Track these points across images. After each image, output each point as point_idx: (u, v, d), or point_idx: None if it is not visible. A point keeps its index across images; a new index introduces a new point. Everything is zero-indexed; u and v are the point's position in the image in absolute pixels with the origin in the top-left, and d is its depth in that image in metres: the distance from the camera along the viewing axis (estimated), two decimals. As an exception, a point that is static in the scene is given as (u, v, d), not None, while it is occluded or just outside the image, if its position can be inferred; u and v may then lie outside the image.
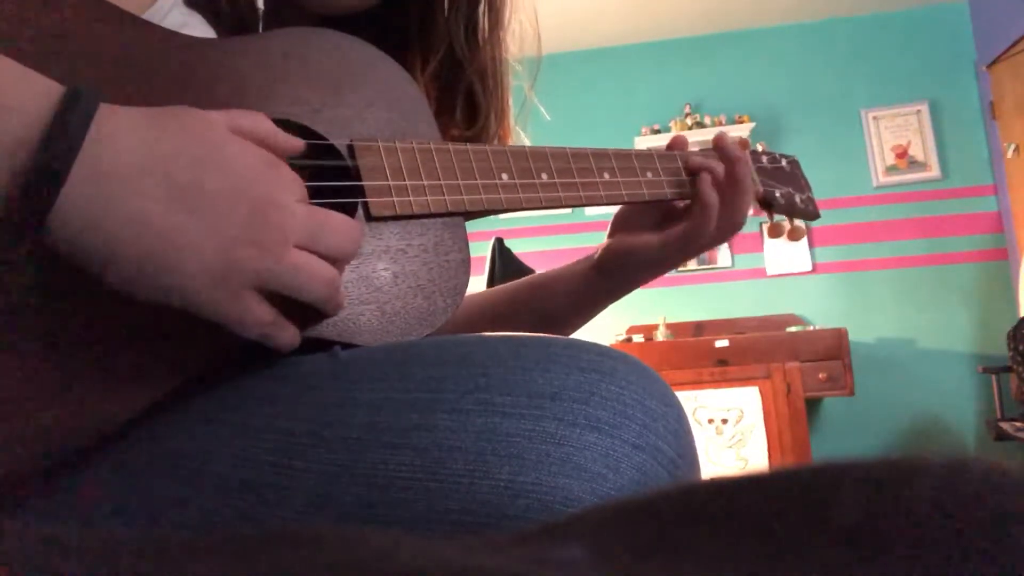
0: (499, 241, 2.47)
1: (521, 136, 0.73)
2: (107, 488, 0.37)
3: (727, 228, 0.67)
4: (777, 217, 0.78)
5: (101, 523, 0.36)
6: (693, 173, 0.68)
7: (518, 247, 2.84)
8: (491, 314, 0.72)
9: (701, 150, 0.71)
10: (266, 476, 0.37)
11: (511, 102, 0.71)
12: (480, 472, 0.36)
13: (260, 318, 0.37)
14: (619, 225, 0.70)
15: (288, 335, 0.39)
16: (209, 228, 0.35)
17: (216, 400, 0.39)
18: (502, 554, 0.17)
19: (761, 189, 0.75)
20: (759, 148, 0.81)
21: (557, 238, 3.84)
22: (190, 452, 0.38)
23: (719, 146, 0.68)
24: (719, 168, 0.67)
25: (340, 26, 0.53)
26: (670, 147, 0.71)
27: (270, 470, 0.37)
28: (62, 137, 0.31)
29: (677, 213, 0.69)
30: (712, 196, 0.65)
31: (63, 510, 0.37)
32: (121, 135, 0.34)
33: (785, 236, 0.79)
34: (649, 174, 0.67)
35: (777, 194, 0.77)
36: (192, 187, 0.35)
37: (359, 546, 0.17)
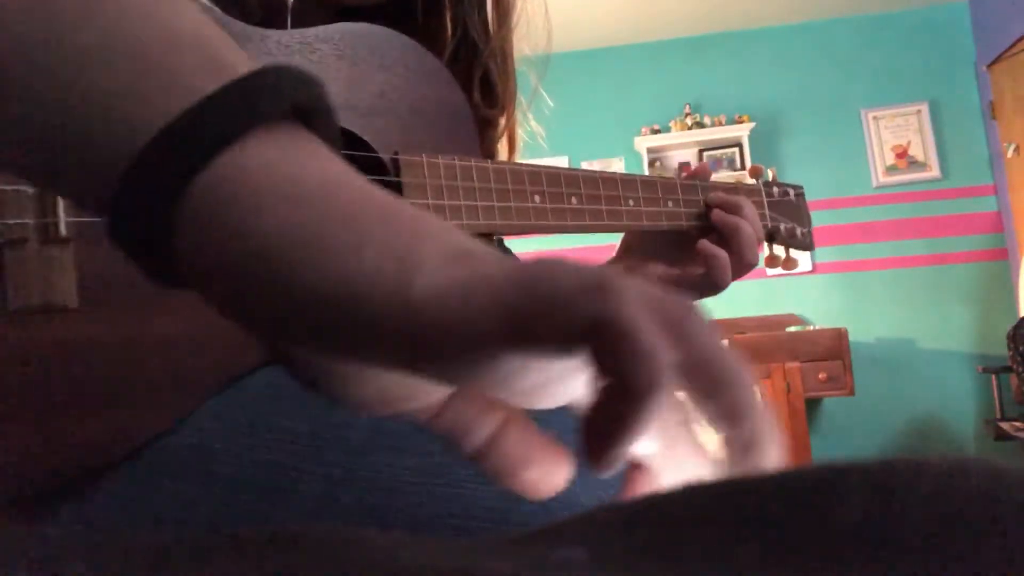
0: (499, 242, 2.47)
1: (530, 120, 0.73)
2: (112, 488, 0.37)
3: (741, 270, 0.67)
4: (775, 248, 0.79)
5: (107, 525, 0.36)
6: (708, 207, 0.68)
7: (518, 247, 2.84)
8: None
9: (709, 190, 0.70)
10: (270, 478, 0.37)
11: (519, 93, 0.71)
12: (483, 476, 0.36)
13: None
14: (630, 248, 0.70)
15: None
16: None
17: (221, 399, 0.39)
18: (502, 555, 0.17)
19: (769, 224, 0.76)
20: (770, 176, 0.81)
21: (557, 238, 3.84)
22: (195, 451, 0.38)
23: (723, 206, 0.68)
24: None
25: (358, 13, 0.52)
26: (692, 175, 0.71)
27: (274, 472, 0.37)
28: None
29: (691, 242, 0.69)
30: (718, 252, 0.64)
31: (69, 512, 0.37)
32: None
33: (780, 267, 0.80)
34: (670, 203, 0.67)
35: (782, 227, 0.78)
36: None
37: (360, 547, 0.17)
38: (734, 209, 0.67)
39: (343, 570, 0.16)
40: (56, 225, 0.34)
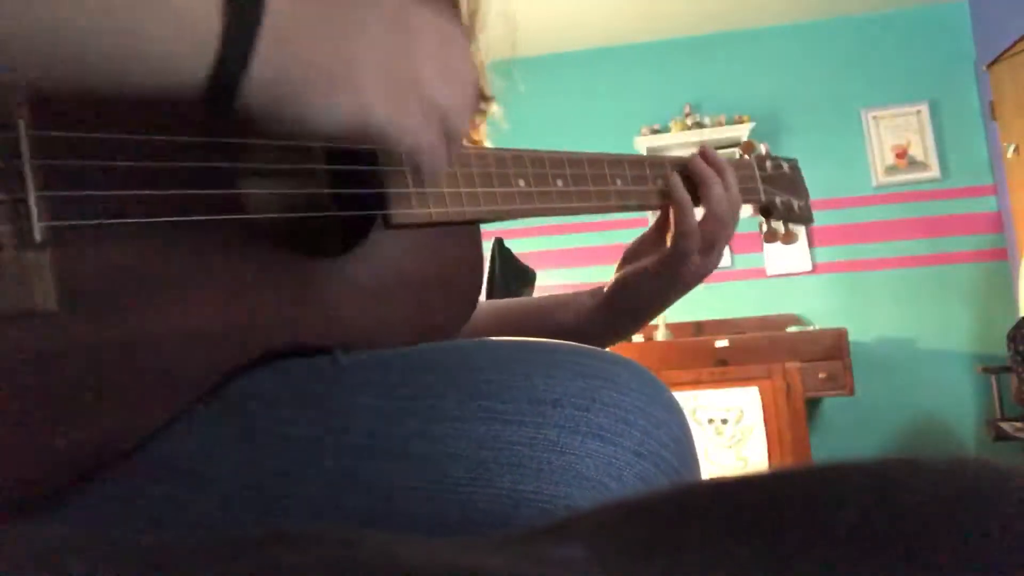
0: (499, 241, 2.47)
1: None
2: (111, 491, 0.37)
3: (722, 240, 0.65)
4: (773, 222, 0.79)
5: (105, 526, 0.36)
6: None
7: (518, 247, 2.84)
8: (492, 329, 0.71)
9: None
10: (268, 482, 0.37)
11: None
12: (481, 480, 0.36)
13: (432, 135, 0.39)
14: (628, 259, 0.69)
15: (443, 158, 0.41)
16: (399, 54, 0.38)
17: (219, 403, 0.39)
18: (501, 554, 0.17)
19: (763, 198, 0.75)
20: (763, 151, 0.81)
21: (557, 238, 3.84)
22: (193, 456, 0.38)
23: (705, 158, 0.67)
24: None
25: None
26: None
27: (272, 476, 0.37)
28: (240, 38, 0.32)
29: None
30: (688, 225, 0.63)
31: (67, 513, 0.37)
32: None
33: (779, 241, 0.79)
34: (660, 181, 0.66)
35: (777, 201, 0.77)
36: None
37: (358, 546, 0.17)
38: (709, 169, 0.66)
39: (343, 569, 0.16)
40: (31, 231, 0.34)
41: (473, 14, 0.65)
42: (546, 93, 3.90)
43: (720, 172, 0.66)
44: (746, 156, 0.77)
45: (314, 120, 0.35)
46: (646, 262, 0.65)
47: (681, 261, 0.63)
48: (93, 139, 0.36)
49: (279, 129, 0.35)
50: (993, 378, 3.16)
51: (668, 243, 0.65)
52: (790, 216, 0.79)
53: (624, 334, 0.69)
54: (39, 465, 0.34)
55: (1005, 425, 2.89)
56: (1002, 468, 0.18)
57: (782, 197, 0.78)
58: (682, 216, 0.63)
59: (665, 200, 0.65)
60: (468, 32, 0.65)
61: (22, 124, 0.34)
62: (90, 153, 0.36)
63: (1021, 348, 2.70)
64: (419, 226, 0.49)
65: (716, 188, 0.64)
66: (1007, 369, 2.95)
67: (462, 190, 0.51)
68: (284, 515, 0.36)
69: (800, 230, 0.83)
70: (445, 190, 0.51)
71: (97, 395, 0.35)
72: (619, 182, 0.63)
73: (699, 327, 3.69)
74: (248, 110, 0.34)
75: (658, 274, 0.64)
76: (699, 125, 3.75)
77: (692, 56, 3.93)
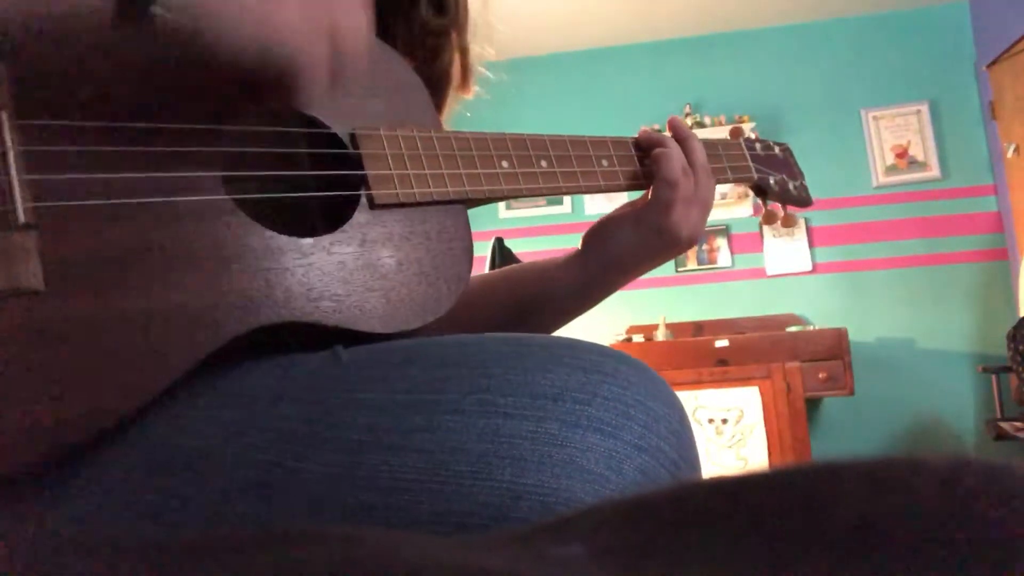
0: (499, 241, 2.47)
1: (485, 48, 0.70)
2: (109, 486, 0.37)
3: (697, 204, 0.65)
4: (770, 204, 0.79)
5: (103, 522, 0.36)
6: (648, 149, 0.68)
7: (518, 247, 2.84)
8: (464, 300, 0.71)
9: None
10: (268, 477, 0.37)
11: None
12: (482, 474, 0.36)
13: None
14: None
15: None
16: None
17: (218, 398, 0.39)
18: (502, 552, 0.17)
19: (755, 176, 0.76)
20: (752, 135, 0.82)
21: (557, 238, 3.84)
22: (192, 450, 0.38)
23: (672, 126, 0.69)
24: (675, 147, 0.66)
25: None
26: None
27: (271, 471, 0.37)
28: None
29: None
30: (670, 172, 0.64)
31: (64, 510, 0.37)
32: None
33: (779, 223, 0.79)
34: (647, 161, 0.67)
35: (771, 181, 0.78)
36: None
37: (360, 545, 0.17)
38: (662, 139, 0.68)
39: (345, 568, 0.16)
40: (15, 212, 0.35)
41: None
42: (546, 93, 3.90)
43: (686, 136, 0.66)
44: (735, 140, 0.79)
45: (223, 37, 0.35)
46: (626, 209, 0.66)
47: (662, 211, 0.63)
48: (77, 125, 0.37)
49: (185, 48, 0.35)
50: (993, 378, 3.16)
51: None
52: (787, 197, 0.79)
53: (595, 291, 0.67)
54: (24, 442, 0.34)
55: (1005, 425, 2.89)
56: (1002, 468, 0.18)
57: (775, 177, 0.78)
58: (664, 163, 0.63)
59: (647, 173, 0.66)
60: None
61: (4, 113, 0.35)
62: (74, 138, 0.37)
63: (1021, 348, 2.70)
64: (402, 205, 0.50)
65: (693, 145, 0.67)
66: (1007, 369, 2.95)
67: (444, 171, 0.52)
68: (285, 510, 0.36)
69: (802, 221, 0.84)
70: (426, 172, 0.51)
71: (84, 372, 0.36)
72: (605, 163, 0.64)
73: (699, 327, 3.69)
74: (159, 23, 0.34)
75: (637, 221, 0.64)
76: (699, 125, 3.75)
77: (692, 56, 3.93)
